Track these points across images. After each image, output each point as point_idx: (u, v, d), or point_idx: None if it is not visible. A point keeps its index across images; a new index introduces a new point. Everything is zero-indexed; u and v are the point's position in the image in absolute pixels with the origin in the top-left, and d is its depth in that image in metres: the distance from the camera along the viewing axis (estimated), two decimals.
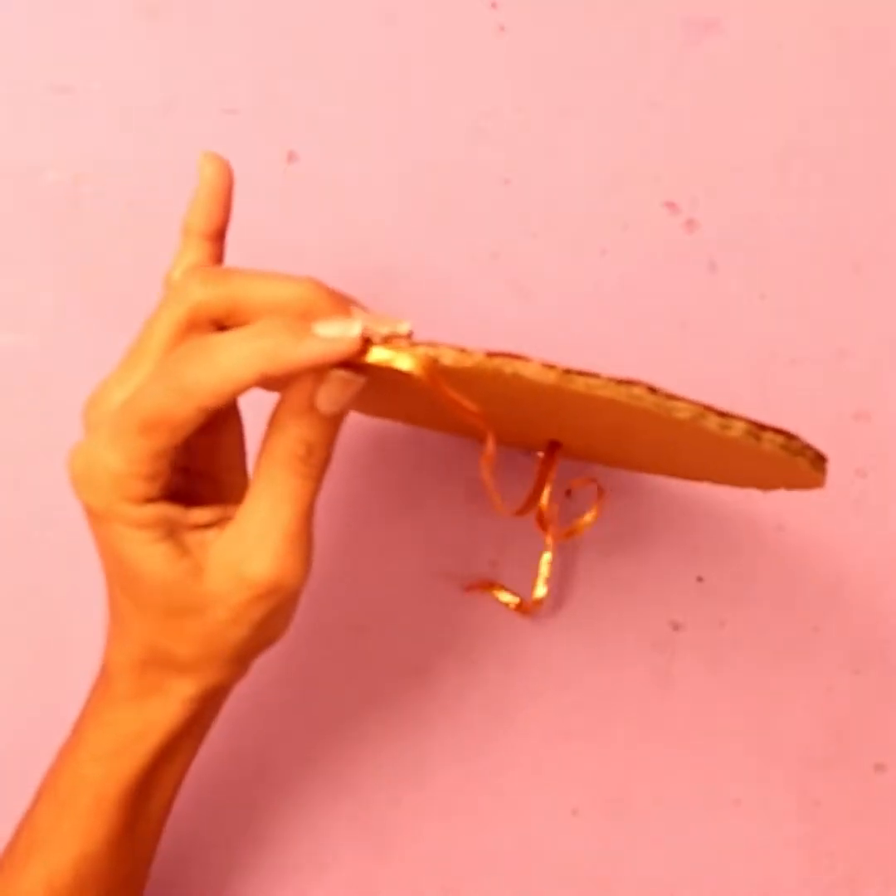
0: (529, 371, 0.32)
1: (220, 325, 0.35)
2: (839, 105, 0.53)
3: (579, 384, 0.32)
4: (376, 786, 0.49)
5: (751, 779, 0.50)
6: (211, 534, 0.36)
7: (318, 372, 0.34)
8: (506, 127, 0.52)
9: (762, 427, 0.34)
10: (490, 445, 0.34)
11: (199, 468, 0.37)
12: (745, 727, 0.51)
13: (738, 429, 0.34)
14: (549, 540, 0.48)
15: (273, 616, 0.36)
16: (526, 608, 0.49)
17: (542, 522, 0.47)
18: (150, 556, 0.35)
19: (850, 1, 0.53)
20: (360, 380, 0.34)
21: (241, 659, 0.37)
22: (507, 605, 0.50)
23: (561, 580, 0.50)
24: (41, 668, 0.49)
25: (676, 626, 0.51)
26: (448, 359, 0.32)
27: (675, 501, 0.51)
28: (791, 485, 0.39)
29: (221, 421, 0.37)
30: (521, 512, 0.45)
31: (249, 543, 0.35)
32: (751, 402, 0.51)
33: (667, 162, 0.52)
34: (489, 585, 0.50)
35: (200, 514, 0.36)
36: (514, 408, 0.36)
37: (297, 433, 0.35)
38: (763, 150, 0.52)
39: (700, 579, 0.51)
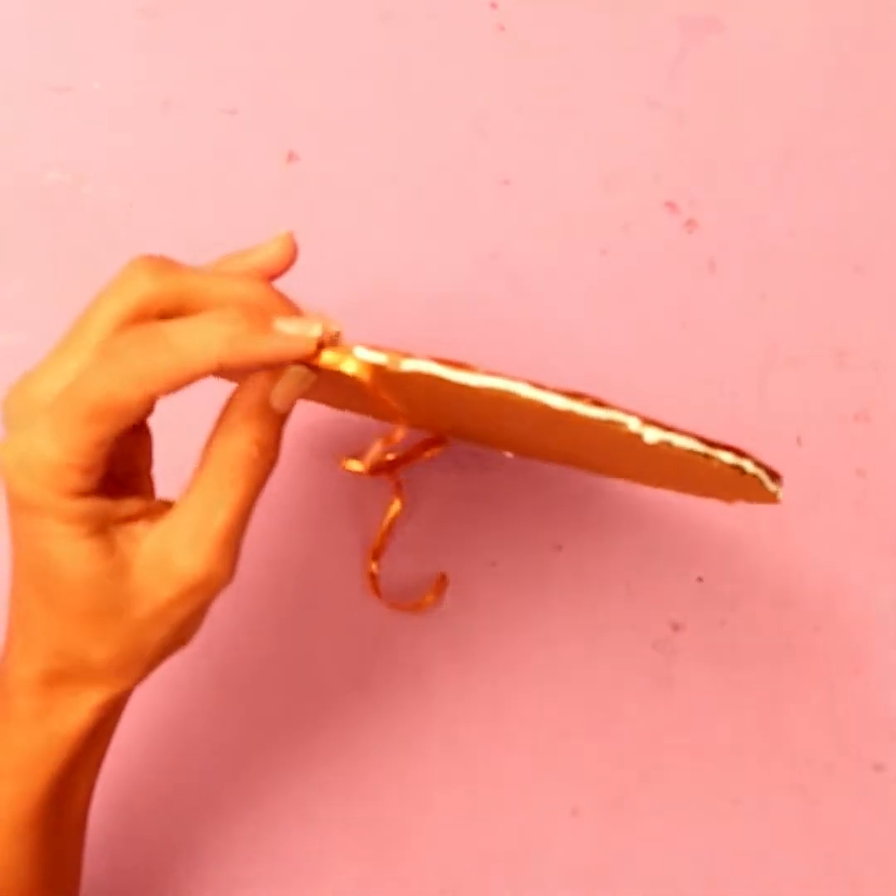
0: (474, 381, 0.33)
1: (167, 319, 0.34)
2: (839, 105, 0.53)
3: (526, 396, 0.33)
4: (375, 786, 0.49)
5: (751, 779, 0.50)
6: (139, 527, 0.35)
7: (274, 370, 0.34)
8: (506, 127, 0.52)
9: (712, 444, 0.34)
10: (399, 434, 0.36)
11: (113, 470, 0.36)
12: (745, 727, 0.50)
13: (683, 445, 0.34)
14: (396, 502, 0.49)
15: (193, 616, 0.36)
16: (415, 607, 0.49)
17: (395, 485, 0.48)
18: (78, 552, 0.34)
19: (850, 1, 0.53)
20: (313, 376, 0.35)
21: (153, 661, 0.36)
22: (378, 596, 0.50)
23: (561, 581, 0.50)
24: None
25: (676, 626, 0.51)
26: (390, 363, 0.33)
27: (674, 502, 0.51)
28: (749, 498, 0.39)
29: (140, 424, 0.37)
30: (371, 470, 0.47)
31: (184, 539, 0.34)
32: (751, 402, 0.51)
33: (667, 162, 0.52)
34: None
35: (130, 506, 0.35)
36: (447, 408, 0.38)
37: (251, 435, 0.35)
38: (763, 150, 0.52)
39: (700, 579, 0.51)
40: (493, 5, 0.52)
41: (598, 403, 0.33)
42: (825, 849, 0.50)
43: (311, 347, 0.33)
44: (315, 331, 0.33)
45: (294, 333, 0.33)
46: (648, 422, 0.34)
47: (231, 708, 0.49)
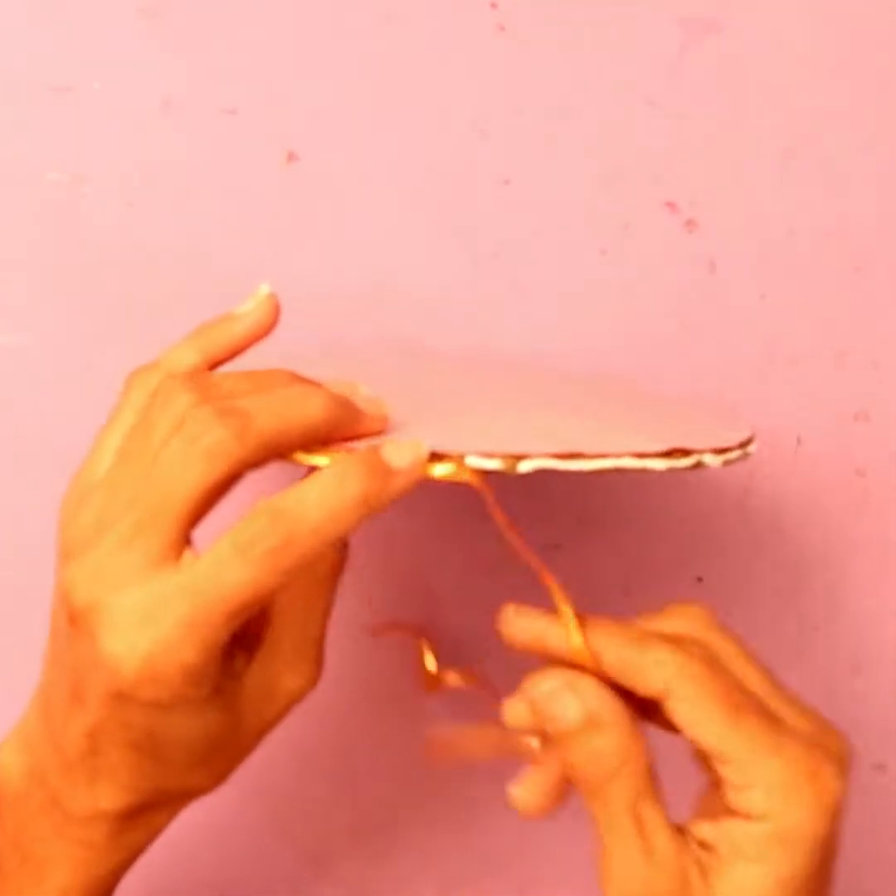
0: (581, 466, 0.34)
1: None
2: (839, 105, 0.53)
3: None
4: (375, 785, 0.49)
5: None
6: (239, 663, 0.34)
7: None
8: (506, 127, 0.52)
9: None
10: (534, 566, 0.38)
11: None
12: None
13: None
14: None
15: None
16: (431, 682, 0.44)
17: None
18: (201, 720, 0.33)
19: (850, 1, 0.53)
20: None
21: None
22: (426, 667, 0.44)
23: (561, 580, 0.50)
24: None
25: None
26: (506, 468, 0.34)
27: (673, 501, 0.51)
28: None
29: None
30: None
31: (288, 662, 0.34)
32: (751, 402, 0.51)
33: (667, 162, 0.52)
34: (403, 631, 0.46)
35: (227, 646, 0.33)
36: None
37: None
38: (763, 150, 0.52)
39: (700, 579, 0.51)
40: (493, 5, 0.52)
41: (685, 452, 0.35)
42: None
43: (426, 469, 0.33)
44: (424, 451, 0.33)
45: (410, 464, 0.32)
46: (716, 451, 0.36)
47: None
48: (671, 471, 0.35)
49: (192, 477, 0.31)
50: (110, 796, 0.34)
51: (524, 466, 0.33)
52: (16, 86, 0.51)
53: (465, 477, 0.33)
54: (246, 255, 0.51)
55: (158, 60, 0.51)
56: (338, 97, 0.52)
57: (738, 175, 0.52)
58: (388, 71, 0.52)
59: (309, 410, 0.33)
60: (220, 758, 0.34)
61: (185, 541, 0.32)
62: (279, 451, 0.32)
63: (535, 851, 0.49)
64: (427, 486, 0.34)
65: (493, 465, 0.33)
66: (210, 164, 0.51)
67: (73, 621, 0.32)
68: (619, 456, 0.34)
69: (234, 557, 0.30)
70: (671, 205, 0.52)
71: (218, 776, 0.35)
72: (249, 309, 0.36)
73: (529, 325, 0.51)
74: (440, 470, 0.33)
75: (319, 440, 0.33)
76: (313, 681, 0.35)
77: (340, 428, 0.33)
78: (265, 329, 0.36)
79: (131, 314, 0.50)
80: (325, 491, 0.31)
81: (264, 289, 0.36)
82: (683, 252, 0.52)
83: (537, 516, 0.51)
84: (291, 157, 0.51)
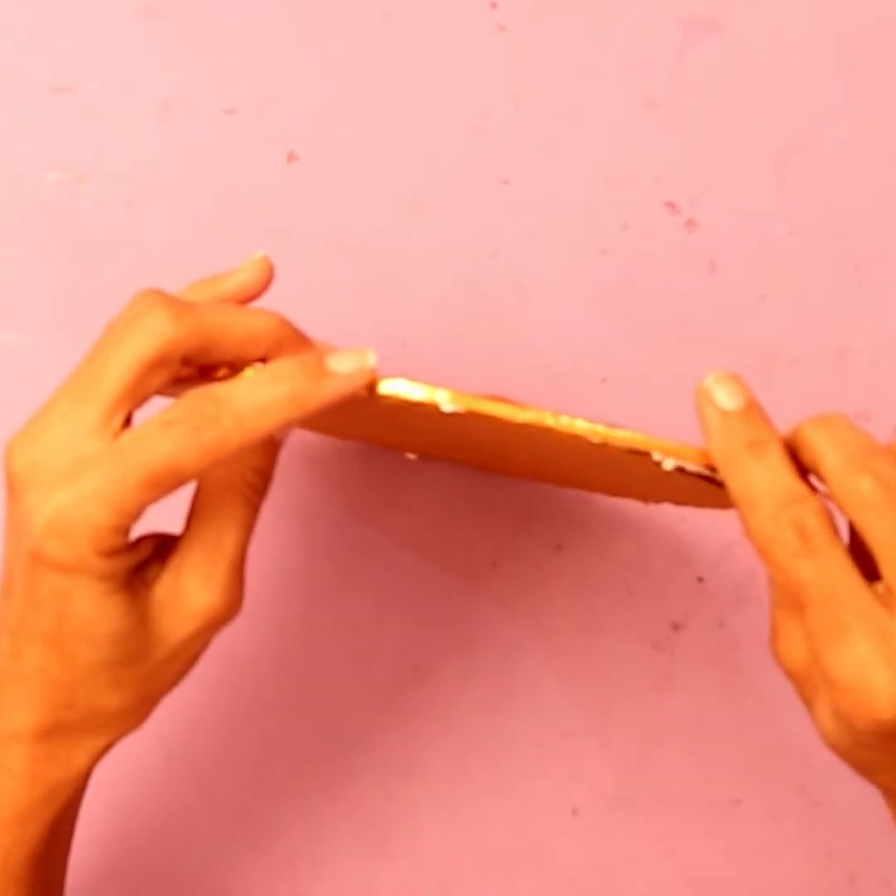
0: (521, 416, 0.33)
1: (187, 362, 0.33)
2: (839, 105, 0.53)
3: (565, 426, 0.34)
4: (374, 785, 0.49)
5: (751, 779, 0.50)
6: (152, 570, 0.34)
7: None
8: (506, 127, 0.52)
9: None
10: None
11: None
12: (745, 727, 0.50)
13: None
14: None
15: (205, 647, 0.35)
16: None
17: None
18: (108, 609, 0.33)
19: (850, 1, 0.53)
20: None
21: (161, 698, 0.36)
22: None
23: (561, 581, 0.50)
24: None
25: (676, 627, 0.51)
26: (447, 400, 0.33)
27: None
28: (701, 503, 0.40)
29: None
30: None
31: (197, 574, 0.34)
32: None
33: (667, 162, 0.52)
34: None
35: (144, 549, 0.34)
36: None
37: (251, 461, 0.34)
38: (763, 150, 0.52)
39: (700, 579, 0.51)
40: (493, 5, 0.52)
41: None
42: (825, 849, 0.50)
43: (371, 377, 0.33)
44: (371, 359, 0.33)
45: (351, 370, 0.33)
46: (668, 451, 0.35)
47: (228, 702, 0.49)
48: (633, 453, 0.34)
49: (127, 351, 0.33)
50: (26, 710, 0.34)
51: (447, 406, 0.33)
52: (16, 86, 0.51)
53: (419, 396, 0.33)
54: (246, 255, 0.51)
55: (158, 60, 0.51)
56: (338, 97, 0.52)
57: (738, 175, 0.52)
58: (387, 71, 0.52)
59: (254, 319, 0.34)
60: (131, 677, 0.34)
61: (121, 415, 0.33)
62: (216, 347, 0.33)
63: (536, 851, 0.50)
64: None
65: (419, 395, 0.33)
66: (210, 164, 0.51)
67: (10, 486, 0.33)
68: (571, 417, 0.34)
69: (158, 429, 0.32)
70: (671, 205, 0.52)
71: (131, 706, 0.35)
72: (241, 268, 0.37)
73: (529, 325, 0.51)
74: (395, 385, 0.33)
75: (261, 355, 0.34)
76: (227, 605, 0.34)
77: (283, 348, 0.34)
78: (256, 289, 0.37)
79: None
80: (256, 384, 0.32)
81: (259, 253, 0.37)
82: (683, 252, 0.52)
83: (537, 516, 0.51)
84: (291, 157, 0.51)
